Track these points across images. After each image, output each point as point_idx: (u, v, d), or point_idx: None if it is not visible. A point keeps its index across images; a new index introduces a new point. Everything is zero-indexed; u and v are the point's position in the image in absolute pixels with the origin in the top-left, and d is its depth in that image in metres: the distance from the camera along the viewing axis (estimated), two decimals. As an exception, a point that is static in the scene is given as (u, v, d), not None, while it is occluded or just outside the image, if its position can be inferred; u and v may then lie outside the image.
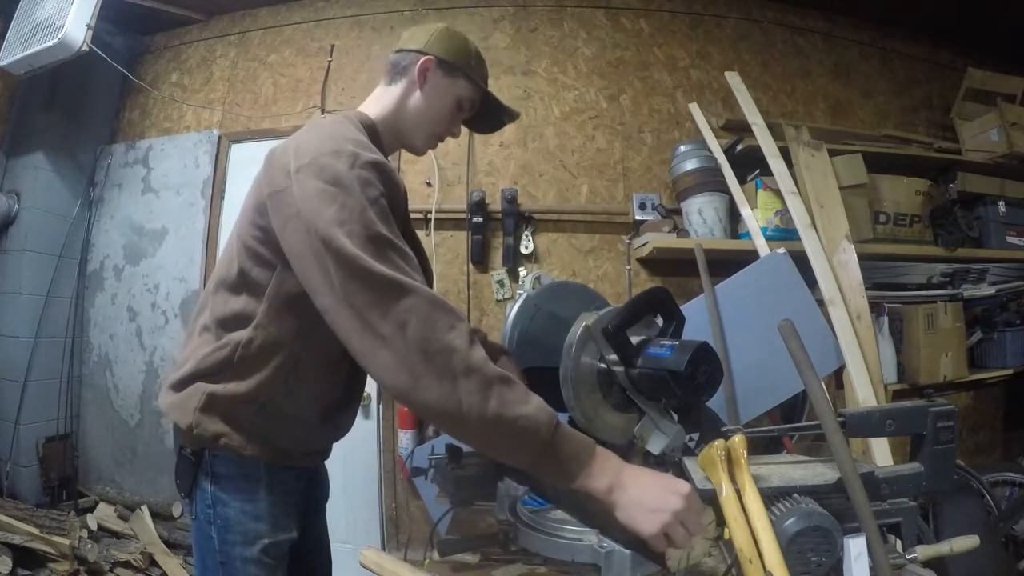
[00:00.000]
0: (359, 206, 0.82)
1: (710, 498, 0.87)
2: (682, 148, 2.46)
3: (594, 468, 0.76)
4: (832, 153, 2.29)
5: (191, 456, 0.99)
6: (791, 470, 0.94)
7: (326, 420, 1.08)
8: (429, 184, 2.54)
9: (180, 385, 0.99)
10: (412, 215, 2.46)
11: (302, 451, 1.06)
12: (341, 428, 1.15)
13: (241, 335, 0.95)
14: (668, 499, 0.74)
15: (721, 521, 0.82)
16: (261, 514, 0.98)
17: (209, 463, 0.97)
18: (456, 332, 0.76)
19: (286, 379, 0.98)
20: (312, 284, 0.84)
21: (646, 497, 0.75)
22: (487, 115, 1.19)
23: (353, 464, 2.43)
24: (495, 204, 2.49)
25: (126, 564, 2.26)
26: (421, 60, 1.06)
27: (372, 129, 1.06)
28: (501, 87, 2.62)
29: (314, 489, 1.18)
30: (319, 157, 0.85)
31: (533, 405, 0.76)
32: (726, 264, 2.15)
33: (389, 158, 1.10)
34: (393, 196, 0.91)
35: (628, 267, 2.51)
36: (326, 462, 1.23)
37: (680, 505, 0.74)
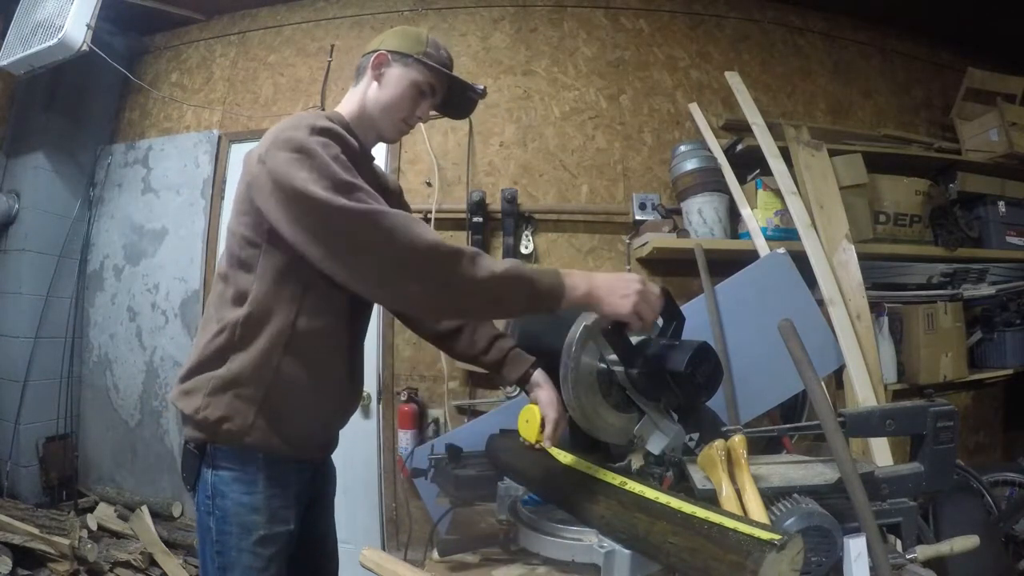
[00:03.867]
0: (324, 163, 0.91)
1: (711, 498, 0.87)
2: (682, 148, 2.46)
3: (568, 284, 0.90)
4: (832, 153, 2.29)
5: (195, 450, 1.03)
6: (791, 470, 0.94)
7: (329, 399, 1.11)
8: (429, 184, 2.54)
9: (186, 377, 1.05)
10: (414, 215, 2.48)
11: (304, 437, 1.08)
12: (345, 411, 1.18)
13: (238, 313, 1.02)
14: (630, 285, 0.91)
15: None
16: (258, 506, 1.01)
17: (212, 455, 1.02)
18: (431, 232, 0.89)
19: (286, 349, 1.02)
20: (303, 243, 0.90)
21: (615, 288, 0.91)
22: (457, 99, 1.25)
23: (353, 464, 2.43)
24: (495, 204, 2.49)
25: (126, 564, 2.26)
26: (374, 55, 1.17)
27: (343, 123, 1.12)
28: (501, 87, 2.63)
29: (319, 483, 1.19)
30: (280, 134, 0.96)
31: (507, 261, 0.92)
32: (726, 264, 2.15)
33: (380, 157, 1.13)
34: (351, 156, 0.99)
35: (628, 267, 2.51)
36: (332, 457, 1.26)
37: (640, 287, 0.91)
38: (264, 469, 1.02)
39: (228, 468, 1.02)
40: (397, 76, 1.16)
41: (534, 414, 1.17)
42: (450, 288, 0.88)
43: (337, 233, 0.88)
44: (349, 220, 0.87)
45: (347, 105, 1.19)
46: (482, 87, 1.26)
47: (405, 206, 1.35)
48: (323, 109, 2.64)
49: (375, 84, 1.17)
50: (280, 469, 1.04)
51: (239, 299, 1.03)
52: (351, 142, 1.03)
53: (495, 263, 0.89)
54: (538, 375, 1.24)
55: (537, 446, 1.14)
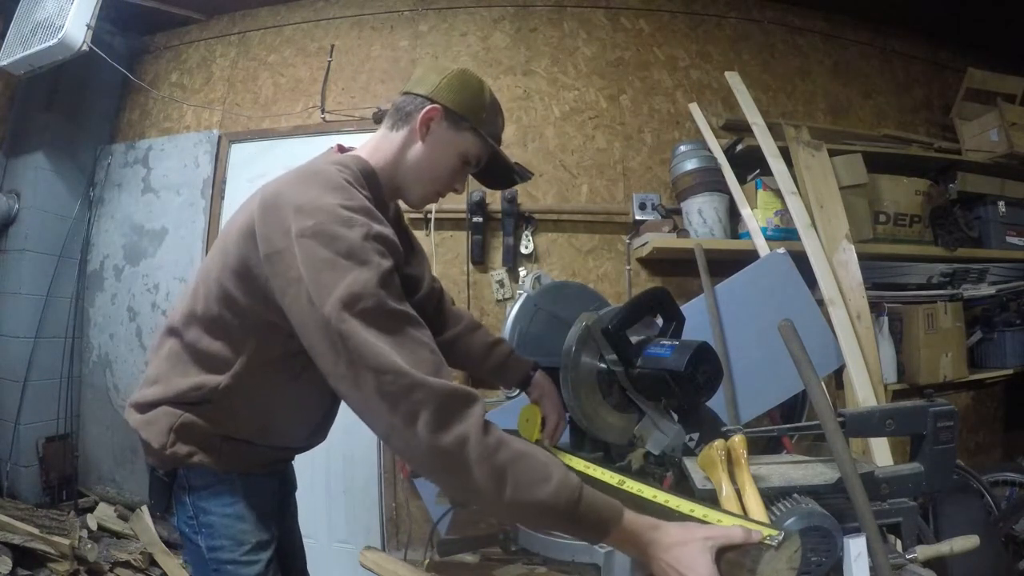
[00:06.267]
0: (372, 281, 0.75)
1: (711, 498, 0.87)
2: (682, 148, 2.46)
3: (620, 537, 0.74)
4: (832, 153, 2.29)
5: (164, 477, 0.99)
6: (791, 470, 0.94)
7: (300, 446, 1.12)
8: (429, 184, 2.53)
9: (148, 407, 0.98)
10: (413, 215, 2.48)
11: (274, 462, 1.08)
12: (315, 444, 1.16)
13: (218, 380, 0.93)
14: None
15: None
16: (243, 514, 1.00)
17: (184, 478, 0.98)
18: (467, 422, 0.73)
19: (263, 425, 0.99)
20: (317, 358, 0.78)
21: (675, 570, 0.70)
22: (496, 171, 1.10)
23: (353, 464, 2.43)
24: (495, 204, 2.49)
25: (126, 564, 2.26)
26: (426, 108, 0.99)
27: (372, 178, 0.98)
28: (501, 87, 2.63)
29: (286, 487, 1.20)
30: (328, 224, 0.78)
31: (552, 484, 0.72)
32: (726, 264, 2.15)
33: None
34: (399, 268, 0.86)
35: (628, 267, 2.51)
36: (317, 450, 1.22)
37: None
38: (240, 479, 1.00)
39: (204, 485, 0.98)
40: (446, 142, 1.00)
41: (534, 414, 1.18)
42: (466, 495, 0.77)
43: (357, 377, 0.73)
44: (374, 375, 0.72)
45: (378, 154, 1.02)
46: (531, 174, 1.13)
47: (407, 232, 1.24)
48: (323, 109, 2.64)
49: (419, 143, 1.00)
50: (255, 479, 1.03)
51: (221, 363, 0.93)
52: (400, 249, 0.86)
53: (533, 483, 0.71)
54: (538, 376, 1.24)
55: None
